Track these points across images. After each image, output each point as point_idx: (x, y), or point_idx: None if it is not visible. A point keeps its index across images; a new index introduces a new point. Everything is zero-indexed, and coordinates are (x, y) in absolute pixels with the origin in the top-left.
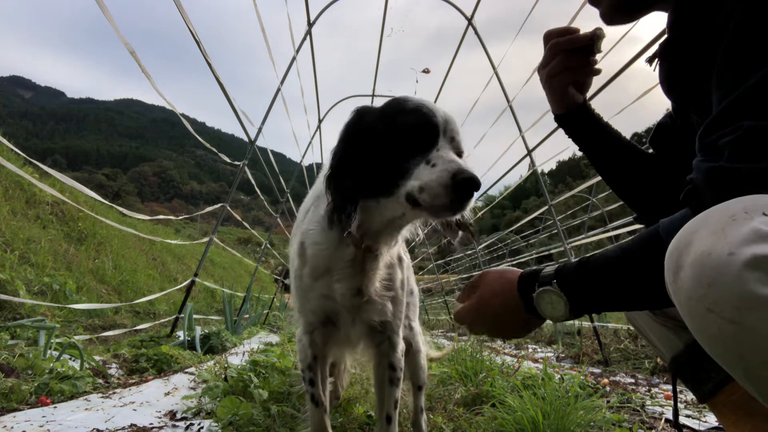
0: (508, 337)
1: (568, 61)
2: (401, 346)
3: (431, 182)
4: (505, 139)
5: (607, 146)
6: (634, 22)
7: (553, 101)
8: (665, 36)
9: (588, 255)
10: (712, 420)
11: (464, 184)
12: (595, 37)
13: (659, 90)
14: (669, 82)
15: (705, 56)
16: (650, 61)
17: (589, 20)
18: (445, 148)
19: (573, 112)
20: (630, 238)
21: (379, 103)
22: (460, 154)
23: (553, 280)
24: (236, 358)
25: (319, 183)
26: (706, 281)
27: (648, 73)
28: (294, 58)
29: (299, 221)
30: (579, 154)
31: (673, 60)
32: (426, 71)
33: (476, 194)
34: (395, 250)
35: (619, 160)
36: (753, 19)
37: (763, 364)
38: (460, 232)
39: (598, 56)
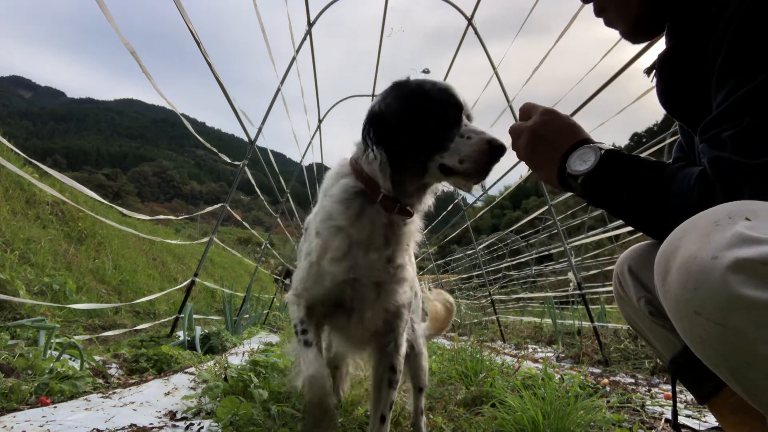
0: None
1: None
2: (404, 348)
3: (474, 153)
4: (505, 139)
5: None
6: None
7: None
8: (665, 48)
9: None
10: (712, 420)
11: (499, 150)
12: None
13: None
14: (667, 95)
15: (704, 66)
16: (648, 72)
17: (589, 20)
18: (470, 123)
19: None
20: (677, 166)
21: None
22: None
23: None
24: (236, 358)
25: (336, 180)
26: (692, 285)
27: None
28: (294, 58)
29: (311, 219)
30: None
31: (672, 71)
32: (426, 71)
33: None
34: (411, 247)
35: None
36: (755, 23)
37: (747, 364)
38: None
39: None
